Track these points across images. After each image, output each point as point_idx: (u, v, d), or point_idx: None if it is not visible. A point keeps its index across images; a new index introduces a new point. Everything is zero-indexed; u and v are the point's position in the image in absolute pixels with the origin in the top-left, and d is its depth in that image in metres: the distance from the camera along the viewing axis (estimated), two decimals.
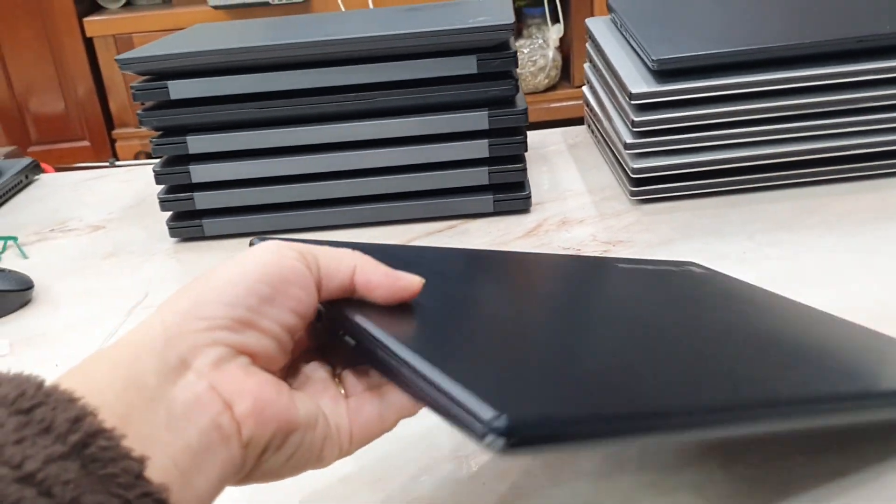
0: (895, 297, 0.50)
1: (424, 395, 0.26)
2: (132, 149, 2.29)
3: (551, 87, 2.28)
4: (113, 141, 2.28)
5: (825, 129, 0.62)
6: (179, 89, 0.61)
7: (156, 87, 0.61)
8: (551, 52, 2.26)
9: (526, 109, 0.62)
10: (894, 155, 0.63)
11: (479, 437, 0.24)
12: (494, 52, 0.60)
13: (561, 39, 2.28)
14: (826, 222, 0.59)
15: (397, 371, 0.28)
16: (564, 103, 2.21)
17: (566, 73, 2.31)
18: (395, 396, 0.32)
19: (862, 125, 0.62)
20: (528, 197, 0.65)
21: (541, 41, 2.22)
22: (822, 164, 0.64)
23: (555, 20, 2.26)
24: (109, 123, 2.27)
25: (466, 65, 0.60)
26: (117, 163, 2.17)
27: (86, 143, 2.28)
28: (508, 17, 0.60)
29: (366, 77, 0.61)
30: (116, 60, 0.61)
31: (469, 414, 0.24)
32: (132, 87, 0.62)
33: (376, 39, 0.59)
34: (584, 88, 0.80)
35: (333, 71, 0.61)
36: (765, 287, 0.50)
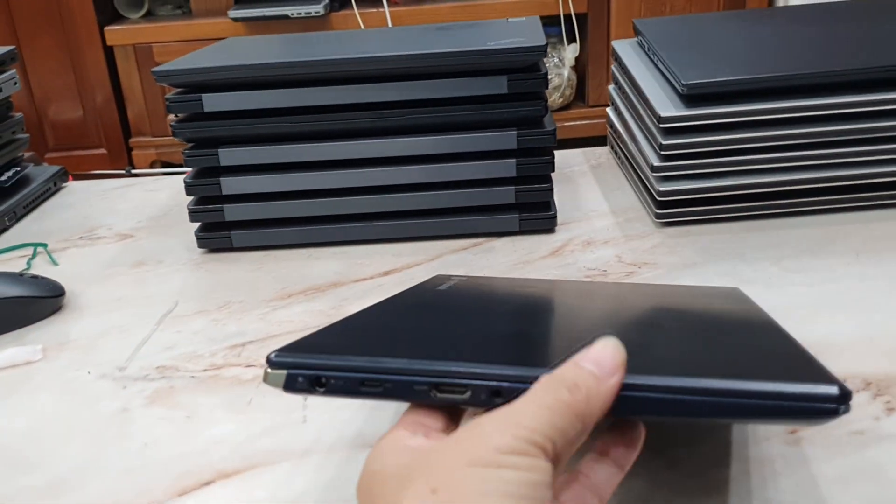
0: None
1: (749, 411, 0.29)
2: (148, 157, 2.31)
3: (565, 106, 2.30)
4: (129, 149, 2.30)
5: (851, 157, 0.63)
6: (213, 102, 0.62)
7: (190, 99, 0.62)
8: (566, 72, 2.27)
9: (555, 130, 0.63)
10: None
11: (833, 413, 0.28)
12: (525, 73, 0.61)
13: (576, 59, 2.29)
14: (851, 250, 0.59)
15: (699, 404, 0.30)
16: (579, 122, 2.22)
17: (581, 93, 2.32)
18: (600, 469, 0.31)
19: (888, 153, 0.63)
20: (554, 217, 0.65)
21: (556, 60, 2.24)
22: (848, 191, 0.64)
23: (571, 40, 2.27)
24: (126, 132, 2.29)
25: (497, 85, 0.61)
26: (133, 171, 2.19)
27: (102, 151, 2.29)
28: (540, 39, 0.61)
29: (397, 95, 0.62)
30: (153, 73, 0.62)
31: (817, 401, 0.29)
32: (167, 99, 0.62)
33: (410, 58, 0.60)
34: (608, 110, 0.81)
35: (365, 88, 0.62)
36: (794, 312, 0.51)
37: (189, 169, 0.66)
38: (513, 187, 0.64)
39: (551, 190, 0.65)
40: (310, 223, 0.66)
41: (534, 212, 0.65)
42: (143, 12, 2.25)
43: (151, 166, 2.31)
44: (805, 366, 0.32)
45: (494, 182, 0.64)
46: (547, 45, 0.60)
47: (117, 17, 2.25)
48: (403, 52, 0.61)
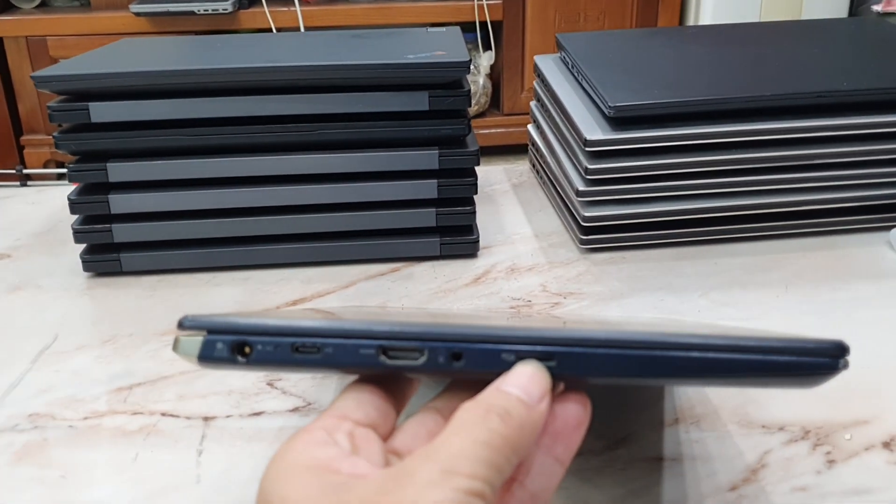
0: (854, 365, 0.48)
1: (752, 367, 0.29)
2: (41, 157, 2.18)
3: (480, 114, 2.27)
4: (21, 148, 2.16)
5: (782, 184, 0.61)
6: (101, 112, 0.56)
7: (75, 108, 0.56)
8: (482, 79, 2.25)
9: (478, 151, 0.59)
10: (849, 212, 0.63)
11: (833, 368, 0.29)
12: (448, 90, 0.57)
13: (491, 67, 2.28)
14: (783, 280, 0.58)
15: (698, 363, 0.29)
16: (494, 130, 2.20)
17: (496, 101, 2.31)
18: (536, 469, 0.28)
19: (818, 181, 0.61)
20: (477, 241, 0.62)
21: (472, 68, 2.21)
22: (780, 218, 0.62)
23: (486, 47, 2.25)
24: (17, 129, 2.15)
25: (418, 101, 0.57)
26: (25, 171, 2.05)
27: None
28: (463, 54, 0.57)
29: (308, 108, 0.57)
30: (32, 78, 0.55)
31: (816, 355, 0.29)
32: (49, 108, 0.56)
33: (323, 69, 0.55)
34: (530, 127, 0.78)
35: (272, 99, 0.57)
36: None
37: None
38: (433, 209, 0.60)
39: (474, 213, 0.61)
40: (209, 245, 0.60)
41: (455, 235, 0.61)
42: (37, 2, 2.12)
43: (45, 166, 2.18)
44: (792, 336, 0.31)
45: (414, 203, 0.60)
46: (470, 60, 0.57)
47: (8, 7, 2.12)
48: (316, 62, 0.56)
